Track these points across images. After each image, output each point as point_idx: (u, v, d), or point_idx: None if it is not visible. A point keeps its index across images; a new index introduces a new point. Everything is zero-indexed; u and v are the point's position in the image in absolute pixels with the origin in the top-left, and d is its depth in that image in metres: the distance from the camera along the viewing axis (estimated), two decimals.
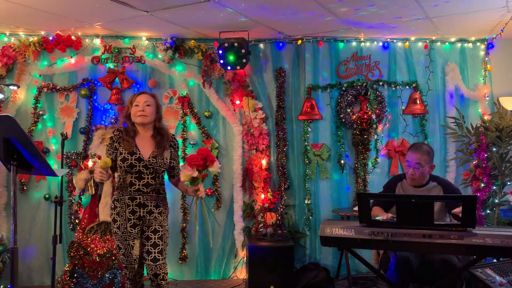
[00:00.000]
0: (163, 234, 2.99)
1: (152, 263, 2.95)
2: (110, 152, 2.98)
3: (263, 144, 4.91)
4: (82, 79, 4.79)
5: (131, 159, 2.93)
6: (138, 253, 3.05)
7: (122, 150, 2.95)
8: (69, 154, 4.70)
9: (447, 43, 5.01)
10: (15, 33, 4.69)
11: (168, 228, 3.08)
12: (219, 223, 4.91)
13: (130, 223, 2.96)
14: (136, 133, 3.05)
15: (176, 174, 3.13)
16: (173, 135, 3.17)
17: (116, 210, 2.97)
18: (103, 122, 4.80)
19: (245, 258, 4.75)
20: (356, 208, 4.43)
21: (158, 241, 2.97)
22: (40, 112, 4.73)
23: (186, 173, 2.80)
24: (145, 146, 3.01)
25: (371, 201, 3.21)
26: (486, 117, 4.73)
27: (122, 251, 2.98)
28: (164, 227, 3.01)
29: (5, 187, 4.62)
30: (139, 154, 2.95)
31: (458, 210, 2.80)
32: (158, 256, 2.96)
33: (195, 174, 2.79)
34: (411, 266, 2.99)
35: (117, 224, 2.97)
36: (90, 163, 4.39)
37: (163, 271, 2.98)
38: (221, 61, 4.61)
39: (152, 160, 2.94)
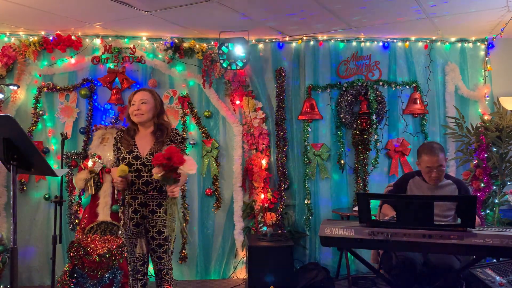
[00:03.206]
0: (168, 234, 2.99)
1: (157, 260, 3.03)
2: (115, 153, 3.05)
3: (263, 144, 4.91)
4: (82, 79, 4.79)
5: (129, 158, 2.95)
6: (141, 251, 3.07)
7: (123, 150, 2.99)
8: (69, 154, 4.69)
9: (447, 43, 5.01)
10: (15, 33, 4.69)
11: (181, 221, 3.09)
12: (219, 223, 4.92)
13: (133, 222, 3.00)
14: (136, 131, 3.07)
15: None
16: (176, 129, 3.13)
17: (121, 209, 3.05)
18: (103, 122, 4.80)
19: (245, 258, 4.75)
20: (356, 208, 4.43)
21: (163, 242, 3.00)
22: (40, 112, 4.73)
23: (153, 171, 2.79)
24: (144, 144, 3.02)
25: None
26: (486, 117, 4.73)
27: (126, 248, 3.09)
28: (169, 227, 2.99)
29: (5, 187, 4.62)
30: (137, 152, 2.97)
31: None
32: (163, 255, 3.02)
33: (159, 173, 2.74)
34: (415, 268, 2.98)
35: (121, 222, 3.06)
36: (90, 163, 4.39)
37: (168, 267, 3.05)
38: (221, 61, 4.61)
39: (149, 157, 2.93)
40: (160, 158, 2.69)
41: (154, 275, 3.13)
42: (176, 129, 3.13)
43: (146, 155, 2.96)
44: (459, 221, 2.61)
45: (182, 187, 4.75)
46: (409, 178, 3.34)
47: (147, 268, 3.16)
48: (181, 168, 2.75)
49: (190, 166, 2.78)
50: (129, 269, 3.10)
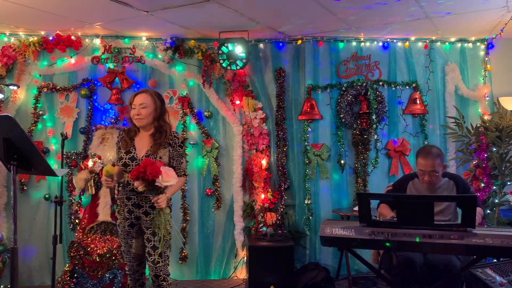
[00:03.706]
0: (162, 236, 2.95)
1: (152, 265, 2.97)
2: (117, 153, 3.08)
3: (263, 144, 4.91)
4: (82, 79, 4.78)
5: (125, 158, 2.96)
6: (137, 251, 3.07)
7: (121, 150, 3.01)
8: (69, 154, 4.69)
9: (447, 43, 5.01)
10: (15, 33, 4.69)
11: (173, 226, 3.03)
12: (219, 223, 4.92)
13: (128, 222, 3.00)
14: (137, 132, 3.08)
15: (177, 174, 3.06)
16: (176, 132, 3.12)
17: (117, 209, 3.06)
18: (103, 122, 4.80)
19: (245, 258, 4.75)
20: (356, 208, 4.43)
21: (158, 244, 2.96)
22: (40, 112, 4.73)
23: (135, 184, 2.82)
24: (142, 145, 3.02)
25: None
26: (486, 117, 4.73)
27: (122, 248, 3.07)
28: (164, 229, 2.95)
29: (5, 187, 4.62)
30: (134, 153, 2.97)
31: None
32: (158, 258, 2.97)
33: (139, 186, 2.77)
34: (415, 268, 2.98)
35: (117, 222, 3.06)
36: (90, 163, 4.39)
37: (164, 272, 2.99)
38: (221, 61, 4.61)
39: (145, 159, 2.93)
40: (135, 172, 2.73)
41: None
42: (176, 132, 3.12)
43: (142, 156, 2.96)
44: (459, 220, 2.61)
45: (182, 187, 4.74)
46: (408, 179, 3.34)
47: (144, 267, 3.15)
48: (157, 180, 2.75)
49: (166, 178, 2.79)
50: (126, 269, 3.10)
